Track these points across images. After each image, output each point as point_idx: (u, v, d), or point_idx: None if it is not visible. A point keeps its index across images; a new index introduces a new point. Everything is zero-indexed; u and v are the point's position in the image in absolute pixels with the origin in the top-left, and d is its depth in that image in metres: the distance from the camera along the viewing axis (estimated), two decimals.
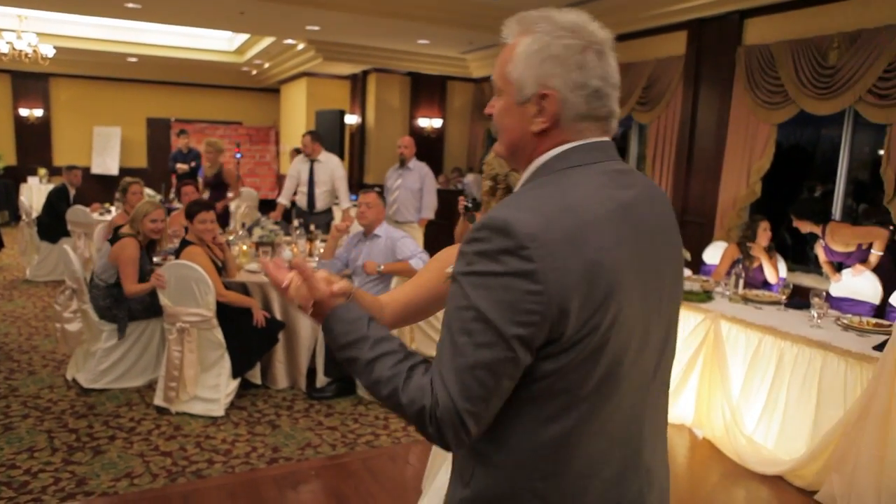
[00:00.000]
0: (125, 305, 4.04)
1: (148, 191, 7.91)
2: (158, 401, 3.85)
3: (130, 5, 6.61)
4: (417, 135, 9.64)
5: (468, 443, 0.97)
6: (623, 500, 1.05)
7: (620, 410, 1.02)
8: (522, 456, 1.00)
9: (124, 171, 10.99)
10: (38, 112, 11.29)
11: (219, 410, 3.80)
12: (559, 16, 1.04)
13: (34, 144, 11.40)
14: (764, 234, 4.39)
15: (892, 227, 4.45)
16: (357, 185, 9.91)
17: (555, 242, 0.92)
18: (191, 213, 3.86)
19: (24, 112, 11.15)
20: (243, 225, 5.52)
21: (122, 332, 4.08)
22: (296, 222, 5.42)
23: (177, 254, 3.94)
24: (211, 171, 6.68)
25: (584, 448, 1.00)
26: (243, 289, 4.13)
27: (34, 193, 10.23)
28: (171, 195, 8.00)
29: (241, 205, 8.75)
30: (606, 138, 1.07)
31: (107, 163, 11.62)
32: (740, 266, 4.24)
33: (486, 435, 1.01)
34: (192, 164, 8.84)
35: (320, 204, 6.27)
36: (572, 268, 0.91)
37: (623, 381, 1.01)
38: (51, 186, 8.15)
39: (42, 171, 10.99)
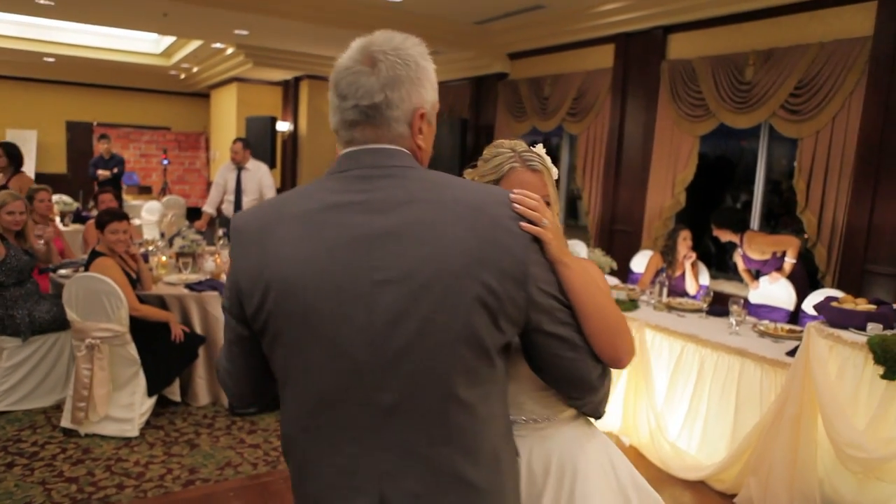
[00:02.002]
0: (23, 309, 3.79)
1: (65, 198, 7.50)
2: (66, 423, 3.60)
3: (42, 1, 6.25)
4: None
5: (239, 400, 1.24)
6: None
7: (330, 422, 1.04)
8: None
9: (41, 177, 10.37)
10: None
11: (133, 431, 3.59)
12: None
13: None
14: (684, 243, 4.52)
15: (805, 236, 4.66)
16: None
17: (248, 233, 1.08)
18: (101, 222, 3.64)
19: None
20: (162, 235, 5.28)
21: (25, 336, 3.81)
22: (220, 232, 5.22)
23: (86, 265, 3.71)
24: None
25: (300, 439, 1.09)
26: (160, 302, 3.93)
27: None
28: (91, 203, 7.60)
29: (167, 213, 8.41)
30: (362, 146, 1.08)
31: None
32: (664, 275, 4.34)
33: None
34: (115, 170, 8.48)
35: None
36: (250, 255, 1.06)
37: (309, 390, 1.04)
38: None
39: None
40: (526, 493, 1.32)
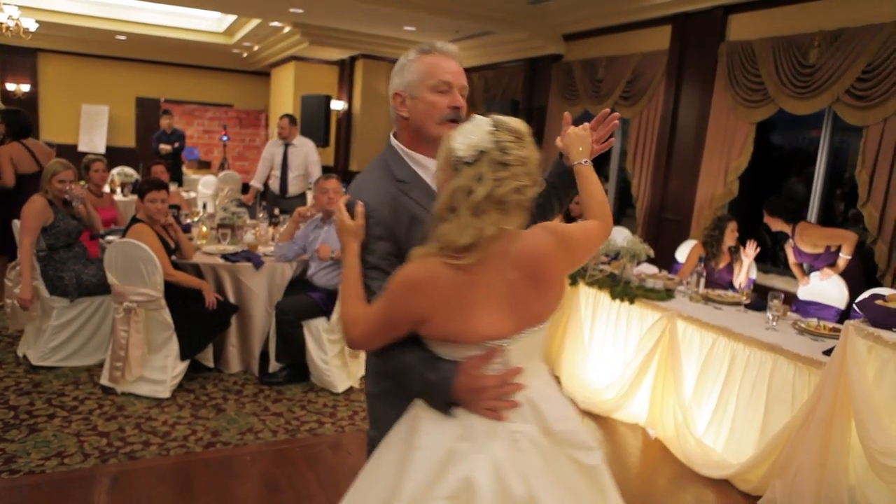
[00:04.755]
0: (72, 271, 4.00)
1: (126, 169, 7.84)
2: (104, 380, 3.78)
3: None
4: None
5: None
6: None
7: None
8: None
9: (111, 150, 10.90)
10: (26, 87, 11.18)
11: (165, 392, 3.73)
12: None
13: None
14: (731, 234, 4.31)
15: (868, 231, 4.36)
16: (342, 172, 9.83)
17: None
18: (141, 191, 3.78)
19: (10, 87, 11.04)
20: (205, 206, 5.44)
21: (73, 297, 4.02)
22: (260, 206, 5.34)
23: (124, 232, 3.86)
24: None
25: None
26: (196, 271, 4.06)
27: None
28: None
29: (223, 187, 8.68)
30: None
31: (94, 141, 11.51)
32: (702, 265, 4.16)
33: None
34: (175, 144, 8.78)
35: (293, 189, 6.19)
36: None
37: None
38: None
39: None
40: None
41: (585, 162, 1.61)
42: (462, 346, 1.34)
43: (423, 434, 1.36)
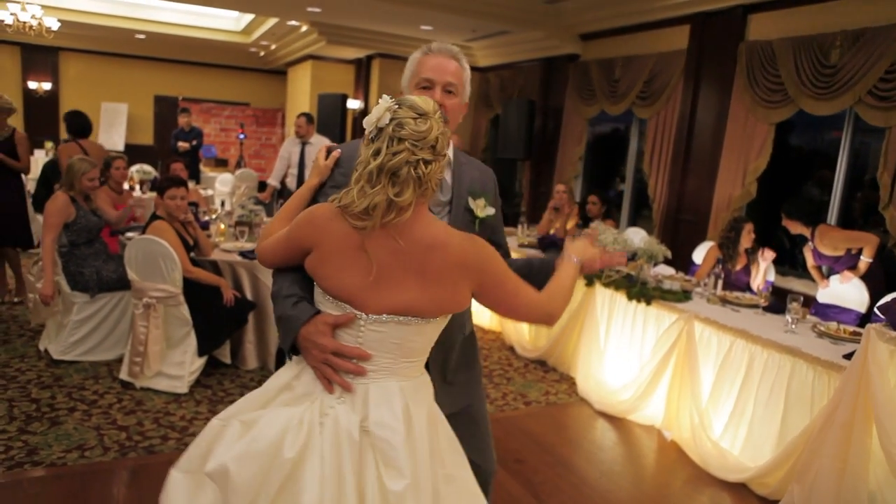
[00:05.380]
0: (92, 266, 4.05)
1: (145, 167, 7.92)
2: (123, 375, 3.83)
3: None
4: None
5: None
6: None
7: None
8: None
9: (130, 148, 11.00)
10: (47, 85, 11.32)
11: (183, 388, 3.77)
12: None
13: (42, 117, 11.41)
14: (748, 236, 4.27)
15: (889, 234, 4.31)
16: None
17: None
18: (161, 188, 3.82)
19: (32, 85, 11.18)
20: (223, 204, 5.49)
21: (93, 293, 4.08)
22: (277, 204, 5.38)
23: (144, 229, 3.91)
24: None
25: None
26: (214, 267, 4.10)
27: (37, 167, 10.26)
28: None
29: (240, 185, 8.76)
30: None
31: (113, 139, 11.62)
32: (719, 267, 4.13)
33: None
34: (193, 142, 8.86)
35: None
36: None
37: None
38: None
39: (48, 145, 11.02)
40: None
41: (577, 261, 1.67)
42: (330, 299, 1.42)
43: (272, 377, 1.50)
